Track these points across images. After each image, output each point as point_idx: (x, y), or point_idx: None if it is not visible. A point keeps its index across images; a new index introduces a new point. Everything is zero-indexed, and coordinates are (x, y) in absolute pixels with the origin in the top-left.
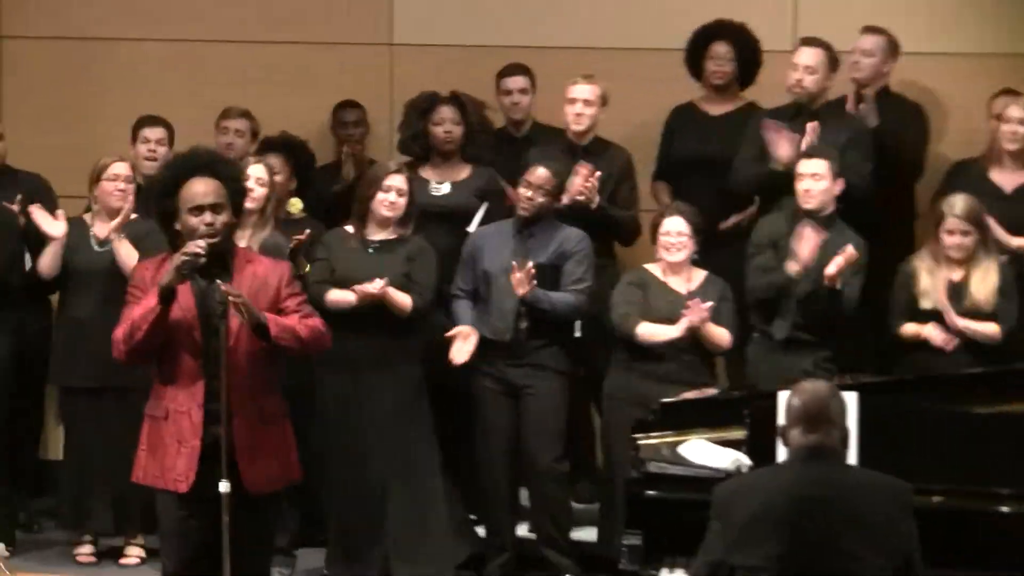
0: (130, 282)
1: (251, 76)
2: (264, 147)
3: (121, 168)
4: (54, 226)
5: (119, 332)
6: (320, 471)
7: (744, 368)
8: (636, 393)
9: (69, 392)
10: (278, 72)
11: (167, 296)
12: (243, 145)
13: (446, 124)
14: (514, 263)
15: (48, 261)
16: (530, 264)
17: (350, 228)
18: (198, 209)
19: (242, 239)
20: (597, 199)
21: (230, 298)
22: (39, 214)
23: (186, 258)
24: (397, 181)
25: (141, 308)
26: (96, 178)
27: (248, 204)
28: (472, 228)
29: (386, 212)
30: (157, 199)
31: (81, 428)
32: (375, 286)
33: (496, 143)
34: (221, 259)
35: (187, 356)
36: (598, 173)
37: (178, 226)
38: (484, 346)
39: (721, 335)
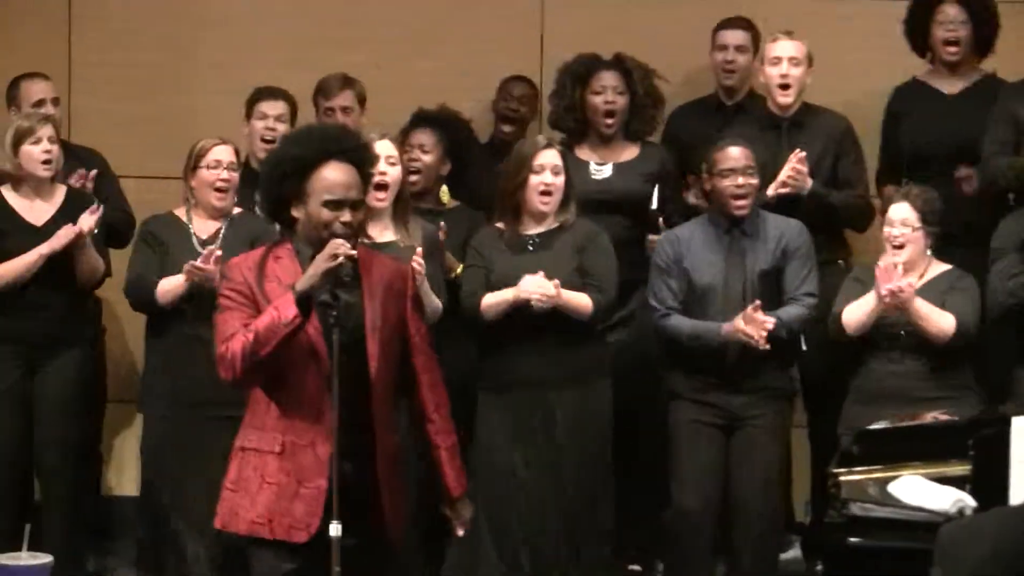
0: (225, 284)
1: (372, 34)
2: (416, 121)
3: (224, 153)
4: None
5: (235, 346)
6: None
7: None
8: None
9: (160, 419)
10: (402, 29)
11: (307, 305)
12: (354, 123)
13: (608, 93)
14: (741, 321)
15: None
16: (757, 303)
17: (500, 225)
18: (337, 204)
19: (385, 232)
20: (808, 183)
21: None
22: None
23: (343, 261)
24: (550, 158)
25: (268, 318)
26: (194, 165)
27: (379, 199)
28: (654, 204)
29: (542, 199)
30: (279, 178)
31: (169, 458)
32: (543, 292)
33: (702, 110)
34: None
35: (311, 378)
36: (802, 153)
37: (297, 214)
38: (689, 371)
39: (936, 319)
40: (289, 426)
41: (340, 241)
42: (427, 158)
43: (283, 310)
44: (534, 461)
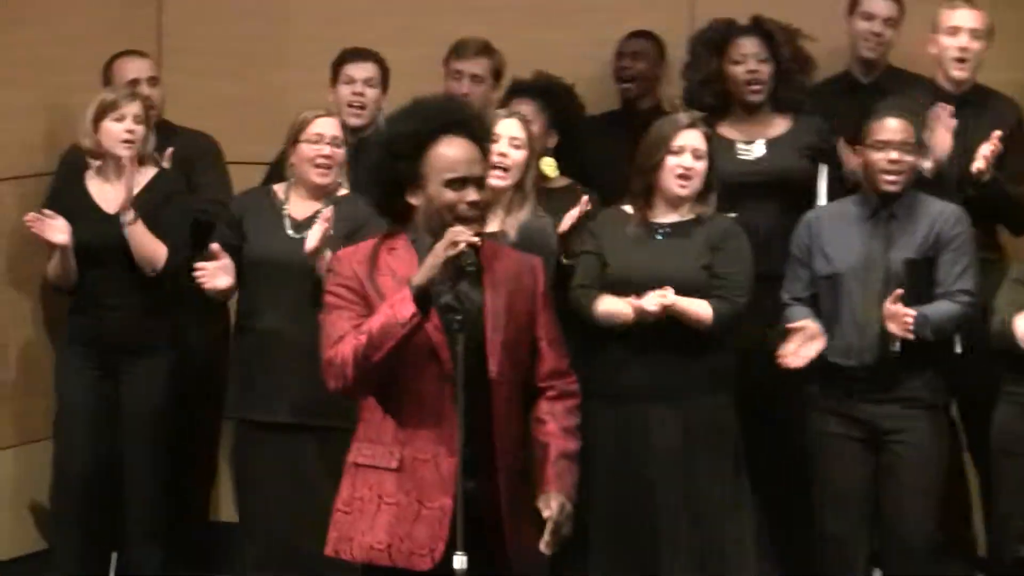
0: (332, 280)
1: (492, 1)
2: (513, 92)
3: (327, 126)
4: (56, 234)
5: (345, 350)
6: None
7: None
8: None
9: (251, 430)
10: None
11: (426, 301)
12: (483, 96)
13: (749, 61)
14: (890, 304)
15: (58, 270)
16: (898, 292)
17: (628, 208)
18: (461, 182)
19: (492, 221)
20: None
21: None
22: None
23: (465, 248)
24: (692, 139)
25: (382, 317)
26: (294, 138)
27: (498, 177)
28: (821, 199)
29: (679, 183)
30: (389, 162)
31: (267, 479)
32: (656, 300)
33: (835, 90)
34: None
35: (430, 383)
36: (997, 132)
37: (414, 201)
38: (829, 375)
39: None
40: (408, 438)
41: (460, 228)
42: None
43: (399, 308)
44: (646, 481)
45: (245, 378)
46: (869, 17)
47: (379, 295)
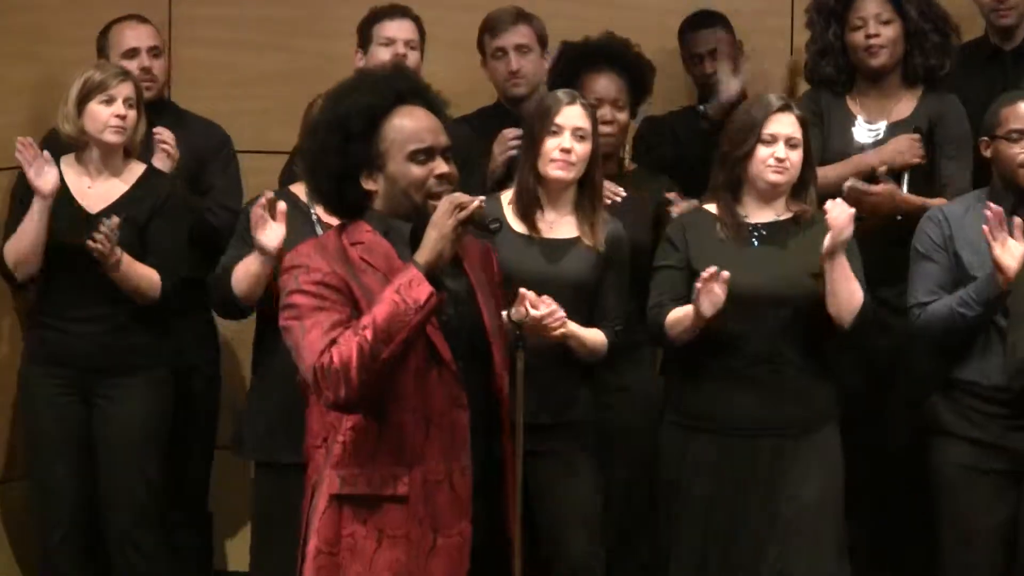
0: (303, 277)
1: None
2: (585, 59)
3: None
4: (45, 178)
5: (345, 352)
6: None
7: None
8: None
9: (273, 471)
10: None
11: (437, 280)
12: (535, 68)
13: (869, 24)
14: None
15: (25, 240)
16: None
17: (712, 207)
18: (428, 152)
19: (561, 225)
20: None
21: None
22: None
23: (478, 207)
24: (786, 126)
25: (387, 307)
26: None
27: (560, 170)
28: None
29: (774, 175)
30: (340, 145)
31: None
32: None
33: (972, 60)
34: None
35: (433, 390)
36: None
37: (371, 186)
38: (962, 397)
39: None
40: (416, 459)
41: (457, 194)
42: (622, 116)
43: (408, 292)
44: (747, 521)
45: (270, 412)
46: None
47: (367, 295)
